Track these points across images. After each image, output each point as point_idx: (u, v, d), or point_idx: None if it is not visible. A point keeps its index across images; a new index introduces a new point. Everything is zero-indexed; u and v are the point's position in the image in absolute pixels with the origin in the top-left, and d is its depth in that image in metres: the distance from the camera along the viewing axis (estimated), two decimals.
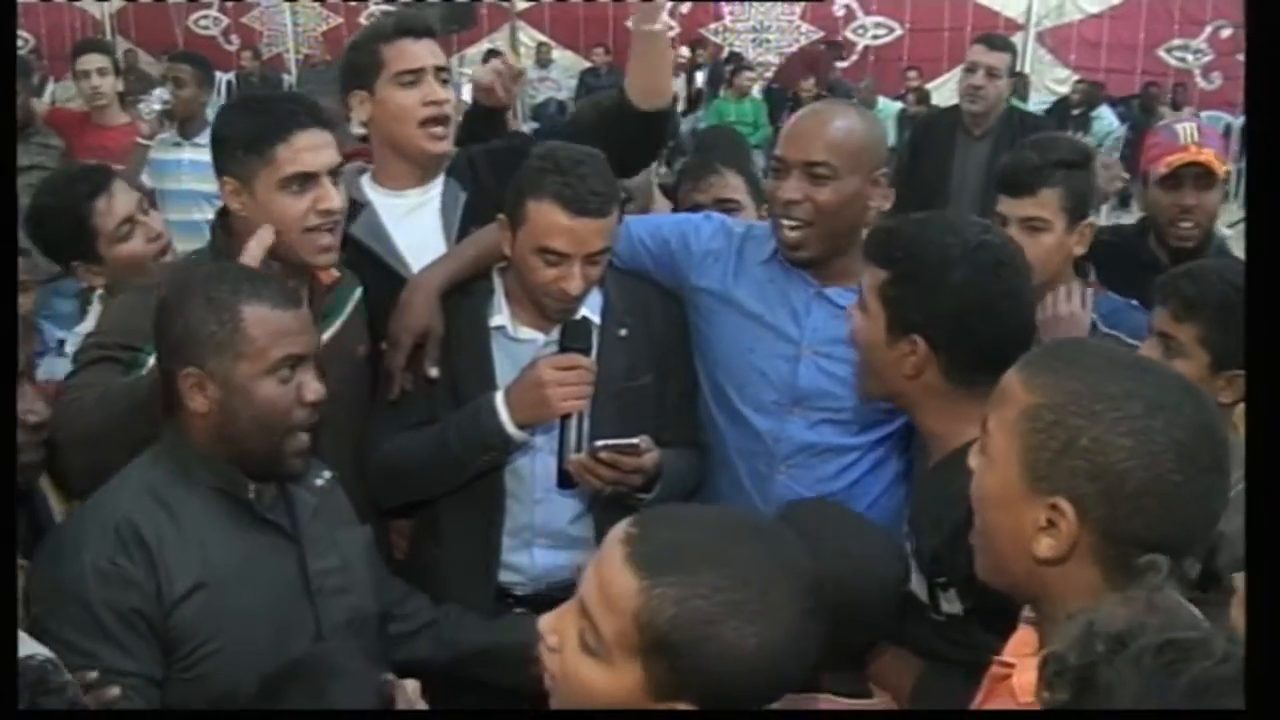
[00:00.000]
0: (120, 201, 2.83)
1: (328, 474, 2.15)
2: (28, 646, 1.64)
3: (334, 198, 2.31)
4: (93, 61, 5.42)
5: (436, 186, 2.77)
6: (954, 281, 1.97)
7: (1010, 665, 1.41)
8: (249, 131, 2.30)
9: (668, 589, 1.31)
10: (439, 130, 2.71)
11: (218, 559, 1.91)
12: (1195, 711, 0.98)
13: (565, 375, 2.32)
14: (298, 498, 2.06)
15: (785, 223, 2.43)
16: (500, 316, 2.47)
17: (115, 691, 1.69)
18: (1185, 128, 3.22)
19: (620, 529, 1.40)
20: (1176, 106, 13.14)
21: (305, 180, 2.29)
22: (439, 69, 2.74)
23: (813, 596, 1.38)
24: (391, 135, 2.74)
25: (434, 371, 2.46)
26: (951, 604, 1.96)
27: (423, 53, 2.73)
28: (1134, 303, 2.77)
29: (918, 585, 2.03)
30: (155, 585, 1.84)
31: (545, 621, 1.44)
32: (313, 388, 1.96)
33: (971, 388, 1.91)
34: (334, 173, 2.34)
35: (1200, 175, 3.08)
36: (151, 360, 2.18)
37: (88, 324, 2.69)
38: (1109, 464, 1.31)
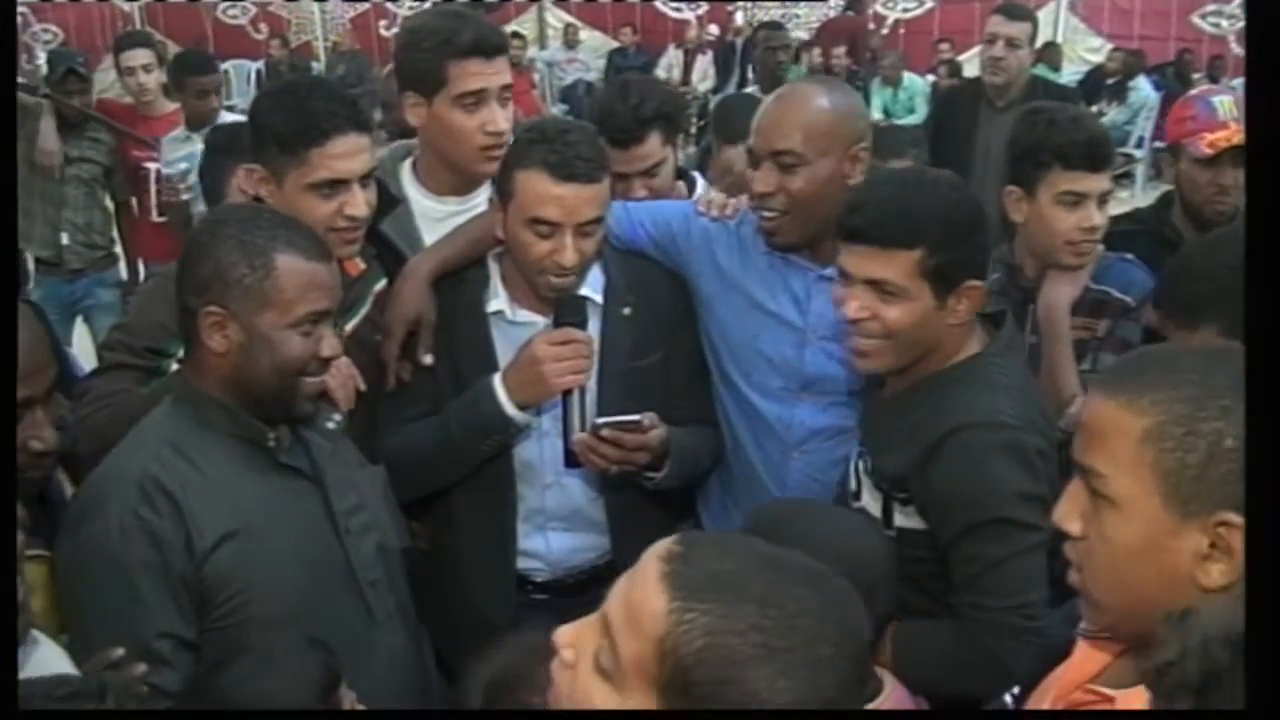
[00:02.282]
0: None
1: (338, 416, 2.17)
2: (60, 664, 1.65)
3: (361, 204, 2.31)
4: (138, 58, 5.41)
5: (479, 196, 2.70)
6: (975, 218, 2.10)
7: (1108, 697, 1.31)
8: (286, 128, 2.29)
9: (700, 616, 1.14)
10: (495, 154, 2.55)
11: (245, 506, 1.91)
12: (1196, 712, 0.96)
13: (561, 350, 2.31)
14: (313, 441, 2.07)
15: (763, 214, 2.42)
16: (498, 301, 2.45)
17: (142, 668, 1.69)
18: (1223, 102, 3.04)
19: (663, 544, 1.23)
20: (1214, 79, 12.92)
21: (335, 185, 2.28)
22: (504, 88, 2.63)
23: (864, 665, 1.23)
24: (443, 149, 2.67)
25: (428, 358, 2.45)
26: (909, 519, 2.09)
27: (490, 73, 2.60)
28: (1127, 256, 2.75)
29: (870, 502, 2.16)
30: (184, 537, 1.84)
31: (563, 633, 1.28)
32: (330, 343, 1.96)
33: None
34: (366, 177, 2.33)
35: (1239, 153, 2.90)
36: (173, 366, 2.20)
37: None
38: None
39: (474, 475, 2.47)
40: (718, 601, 1.15)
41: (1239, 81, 12.83)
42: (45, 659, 1.68)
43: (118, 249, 5.64)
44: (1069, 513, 1.33)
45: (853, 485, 2.25)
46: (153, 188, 5.32)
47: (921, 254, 2.00)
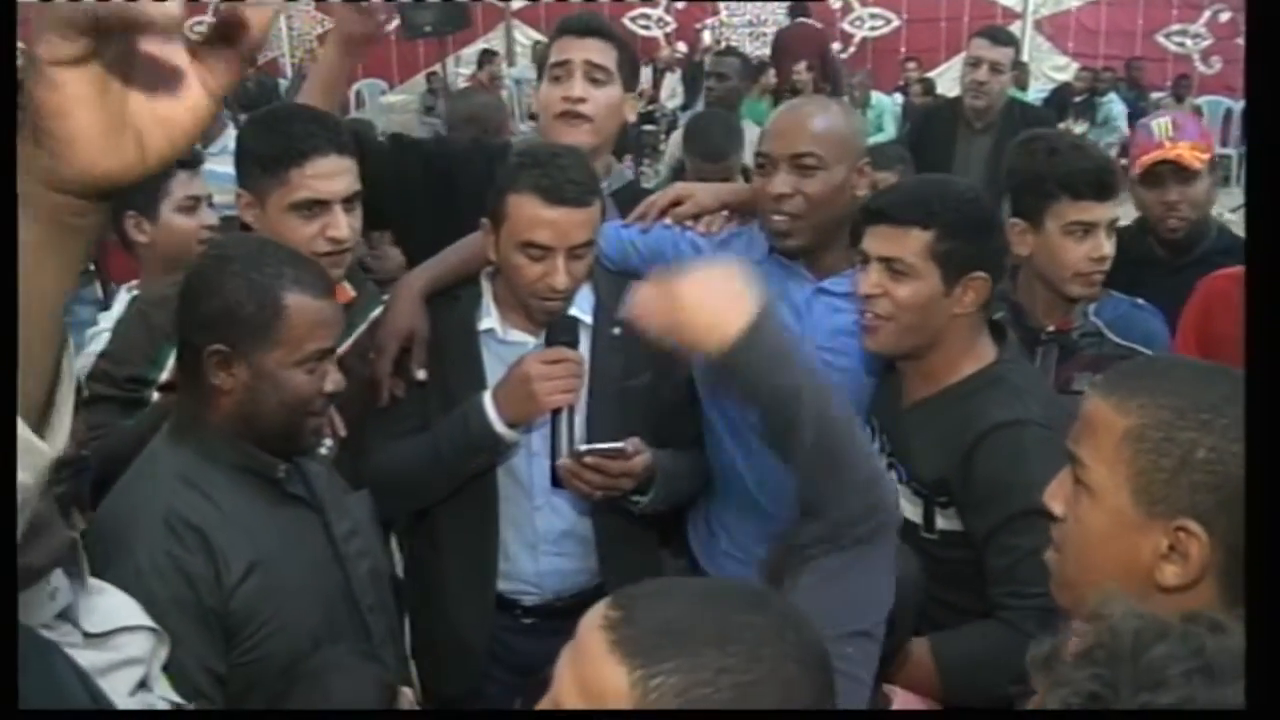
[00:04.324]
0: (199, 184, 2.99)
1: (329, 443, 2.18)
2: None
3: (342, 226, 2.30)
4: None
5: None
6: (990, 216, 2.27)
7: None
8: (267, 149, 2.29)
9: (666, 679, 1.08)
10: (575, 123, 2.65)
11: (262, 538, 1.92)
12: (1196, 712, 0.95)
13: (551, 369, 2.29)
14: (310, 469, 2.08)
15: (776, 217, 2.42)
16: (489, 320, 2.44)
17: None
18: (1160, 123, 3.19)
19: (597, 612, 1.15)
20: (1179, 98, 13.09)
21: (315, 206, 2.28)
22: (593, 64, 2.68)
23: (829, 670, 1.21)
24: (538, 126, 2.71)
25: (421, 374, 2.43)
26: (950, 521, 2.19)
27: (573, 49, 2.69)
28: (1139, 302, 2.74)
29: (908, 509, 2.20)
30: (214, 572, 1.84)
31: None
32: (334, 378, 1.97)
33: (986, 313, 2.25)
34: (349, 199, 2.32)
35: (1178, 170, 3.06)
36: (155, 396, 2.18)
37: (110, 316, 2.71)
38: (1229, 472, 1.25)
39: (457, 494, 2.45)
40: (679, 657, 1.10)
41: (1204, 99, 13.07)
42: (114, 606, 1.68)
43: (92, 266, 5.56)
44: (1055, 494, 1.44)
45: None
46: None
47: (933, 235, 2.16)
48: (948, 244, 2.15)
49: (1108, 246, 2.59)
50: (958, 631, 2.11)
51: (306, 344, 1.90)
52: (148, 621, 1.70)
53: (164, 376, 2.36)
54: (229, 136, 5.49)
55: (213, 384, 1.90)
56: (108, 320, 2.70)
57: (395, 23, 12.42)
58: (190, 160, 3.00)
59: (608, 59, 2.70)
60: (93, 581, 1.67)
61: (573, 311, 2.40)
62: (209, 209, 2.98)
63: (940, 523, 2.20)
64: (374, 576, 2.15)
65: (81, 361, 2.71)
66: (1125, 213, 2.79)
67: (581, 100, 2.65)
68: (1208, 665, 0.94)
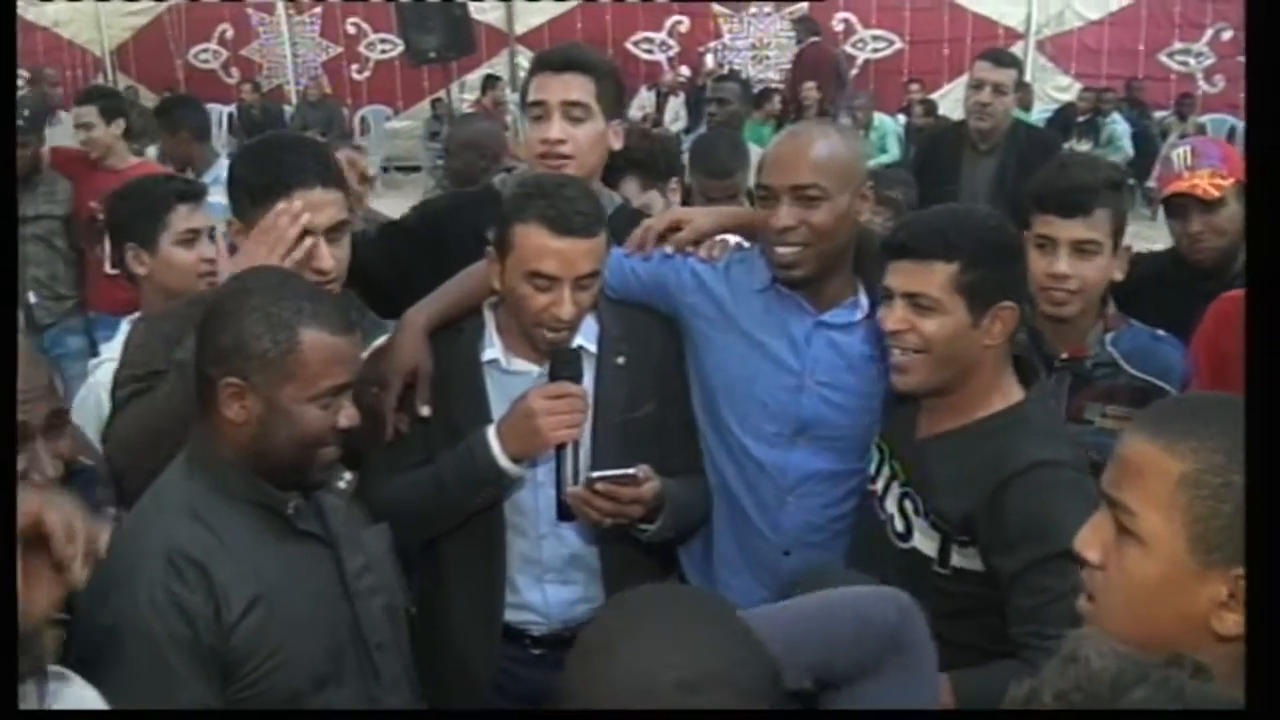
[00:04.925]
0: (199, 217, 3.01)
1: (349, 476, 2.17)
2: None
3: (325, 258, 2.28)
4: (81, 116, 5.40)
5: None
6: (1013, 243, 2.22)
7: None
8: (256, 179, 2.29)
9: None
10: (556, 164, 2.65)
11: (266, 573, 1.90)
12: (1196, 712, 0.95)
13: (556, 404, 2.28)
14: (326, 502, 2.06)
15: (780, 249, 2.40)
16: (493, 350, 2.43)
17: None
18: (1179, 153, 3.17)
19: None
20: (1183, 118, 13.10)
21: (299, 238, 2.26)
22: (570, 103, 2.68)
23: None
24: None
25: (425, 410, 2.42)
26: (969, 560, 2.13)
27: (550, 88, 2.69)
28: (1160, 333, 2.68)
29: (923, 543, 2.19)
30: (214, 609, 1.82)
31: None
32: (348, 414, 1.95)
33: (1011, 344, 2.20)
34: (334, 230, 2.30)
35: (1200, 200, 3.02)
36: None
37: (112, 347, 2.73)
38: None
39: (463, 526, 2.44)
40: None
41: (1208, 118, 13.09)
42: (80, 698, 1.63)
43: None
44: (1090, 541, 1.37)
45: (899, 527, 2.24)
46: (106, 241, 5.26)
47: (957, 268, 2.10)
48: (972, 275, 2.10)
49: (1063, 265, 2.56)
50: (980, 670, 2.07)
51: (321, 380, 1.89)
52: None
53: None
54: (221, 166, 5.52)
55: (226, 416, 1.89)
56: (111, 349, 2.71)
57: (400, 49, 12.46)
58: (189, 193, 3.02)
59: (586, 94, 2.69)
60: (63, 672, 1.63)
61: (577, 341, 2.40)
62: (209, 242, 2.98)
63: (956, 559, 2.15)
64: (388, 614, 2.13)
65: (83, 392, 2.76)
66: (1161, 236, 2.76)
67: (561, 142, 2.66)
68: (1187, 711, 0.94)
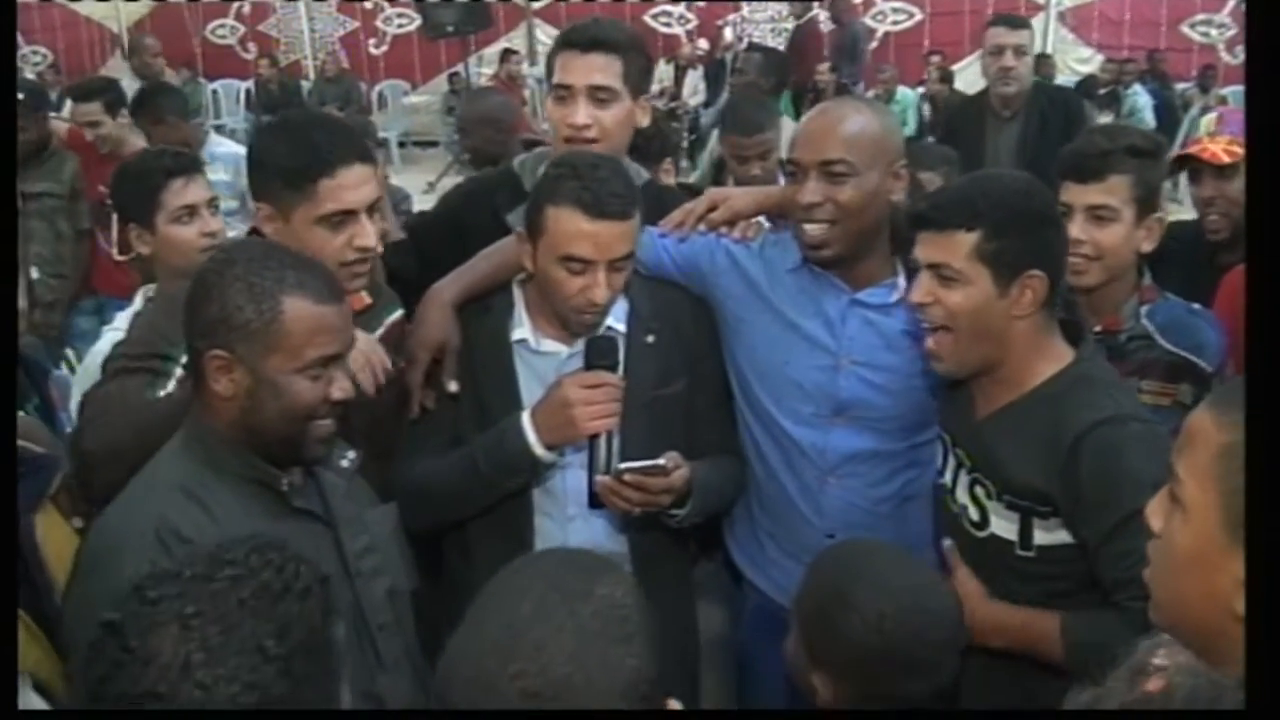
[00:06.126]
0: (193, 190, 2.98)
1: (352, 454, 2.11)
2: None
3: (370, 235, 2.27)
4: (87, 114, 5.34)
5: None
6: (1041, 209, 2.13)
7: None
8: (289, 162, 2.25)
9: None
10: (584, 147, 2.60)
11: None
12: (1196, 712, 0.94)
13: (592, 394, 2.26)
14: (326, 481, 2.02)
15: (808, 227, 2.36)
16: (522, 330, 2.41)
17: None
18: (1205, 121, 3.18)
19: None
20: (1205, 89, 12.98)
21: (344, 217, 2.24)
22: (596, 87, 2.65)
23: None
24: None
25: (453, 386, 2.40)
26: (1050, 534, 2.05)
27: (575, 71, 2.66)
28: (1195, 307, 2.64)
29: (1003, 527, 2.11)
30: None
31: None
32: (341, 385, 1.90)
33: (1051, 311, 2.11)
34: (372, 208, 2.28)
35: (1214, 165, 2.98)
36: (180, 371, 2.16)
37: (122, 320, 2.72)
38: None
39: (491, 509, 2.42)
40: None
41: (1229, 90, 12.98)
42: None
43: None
44: (1155, 510, 1.34)
45: (974, 516, 2.18)
46: (114, 225, 5.24)
47: (979, 237, 2.04)
48: (996, 244, 2.03)
49: (1078, 229, 2.51)
50: (1088, 614, 2.00)
51: (307, 350, 1.84)
52: None
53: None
54: (214, 143, 5.49)
55: (215, 390, 1.85)
56: (123, 318, 2.71)
57: (418, 23, 12.44)
58: (178, 168, 2.98)
59: (611, 76, 2.65)
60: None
61: (609, 322, 2.38)
62: (211, 215, 2.97)
63: (1039, 537, 2.08)
64: (390, 596, 2.09)
65: (88, 359, 2.77)
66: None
67: (587, 126, 2.63)
68: (1187, 711, 0.92)
